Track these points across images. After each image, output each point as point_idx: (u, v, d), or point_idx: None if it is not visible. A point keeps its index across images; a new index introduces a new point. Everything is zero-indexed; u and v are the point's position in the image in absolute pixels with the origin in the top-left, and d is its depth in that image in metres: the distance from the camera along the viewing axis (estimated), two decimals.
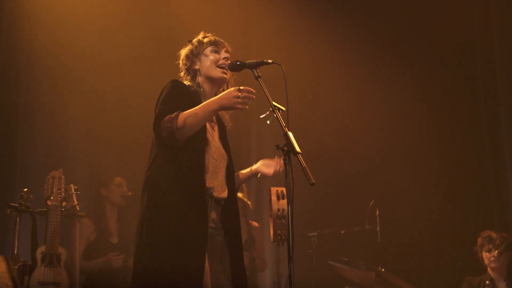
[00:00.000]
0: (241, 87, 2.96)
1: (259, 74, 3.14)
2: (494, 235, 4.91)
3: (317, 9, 6.53)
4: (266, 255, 5.77)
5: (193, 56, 3.33)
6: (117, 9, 6.07)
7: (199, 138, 3.15)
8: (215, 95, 3.31)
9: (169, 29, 5.66)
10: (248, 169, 3.44)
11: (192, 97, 3.23)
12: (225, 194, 3.25)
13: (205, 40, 3.34)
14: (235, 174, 3.40)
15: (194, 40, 3.36)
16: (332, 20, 6.50)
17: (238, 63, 3.22)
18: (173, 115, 3.03)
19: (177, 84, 3.26)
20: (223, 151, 3.31)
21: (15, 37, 5.73)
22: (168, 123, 3.02)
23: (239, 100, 2.95)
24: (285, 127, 2.96)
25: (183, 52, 3.38)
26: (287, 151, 2.91)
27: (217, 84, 3.35)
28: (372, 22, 6.49)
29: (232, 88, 2.99)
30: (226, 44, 3.36)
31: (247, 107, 3.00)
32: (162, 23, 6.10)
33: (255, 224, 5.56)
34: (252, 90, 2.98)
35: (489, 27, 6.11)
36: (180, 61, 3.38)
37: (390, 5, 6.51)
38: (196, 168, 3.11)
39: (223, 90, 3.30)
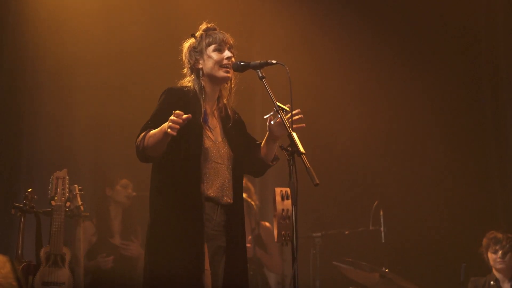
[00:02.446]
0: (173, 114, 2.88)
1: (263, 74, 3.14)
2: (500, 235, 4.89)
3: (322, 8, 6.51)
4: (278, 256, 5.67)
5: (195, 53, 3.30)
6: (121, 8, 6.07)
7: (193, 146, 3.15)
8: (219, 93, 3.34)
9: (173, 28, 5.64)
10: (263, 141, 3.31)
11: (189, 104, 3.19)
12: (230, 199, 3.25)
13: (208, 35, 3.29)
14: (260, 145, 3.31)
15: (197, 34, 3.32)
16: (337, 20, 6.47)
17: (242, 63, 3.21)
18: (140, 136, 3.09)
19: (170, 95, 3.23)
20: (227, 149, 3.28)
21: (20, 38, 5.75)
22: (137, 143, 3.10)
23: (169, 125, 2.89)
24: (289, 127, 2.96)
25: (186, 46, 3.35)
26: (291, 151, 2.91)
27: (220, 83, 3.32)
28: (377, 20, 6.46)
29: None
30: (228, 38, 3.30)
31: (174, 133, 2.89)
32: (166, 22, 6.08)
33: (266, 224, 5.51)
34: (179, 113, 2.88)
35: (495, 24, 6.10)
36: (183, 56, 3.36)
37: (395, 4, 6.49)
38: (191, 177, 3.12)
39: (225, 87, 3.34)
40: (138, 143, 3.09)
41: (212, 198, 3.17)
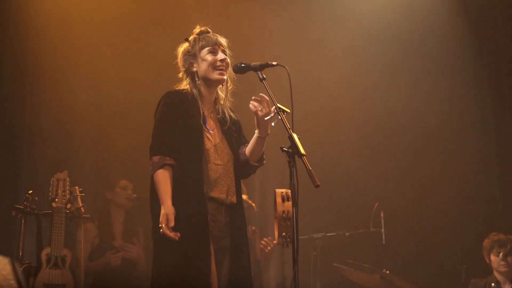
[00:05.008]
0: (163, 226, 2.99)
1: (264, 76, 3.15)
2: (503, 237, 4.89)
3: (324, 9, 6.50)
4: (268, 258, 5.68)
5: (190, 57, 3.32)
6: (122, 9, 6.06)
7: (194, 148, 3.17)
8: (216, 95, 3.37)
9: (174, 28, 5.64)
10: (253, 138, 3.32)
11: (188, 107, 3.22)
12: (234, 198, 3.27)
13: (201, 38, 3.31)
14: (244, 150, 3.36)
15: (190, 38, 3.35)
16: (339, 20, 6.46)
17: (242, 65, 3.22)
18: (158, 161, 3.11)
19: (169, 99, 3.25)
20: (227, 150, 3.30)
21: (21, 39, 5.73)
22: (151, 166, 3.14)
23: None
24: (289, 129, 2.96)
25: (180, 51, 3.38)
26: (292, 153, 2.91)
27: (215, 86, 3.35)
28: (378, 19, 6.44)
29: (170, 216, 3.01)
30: (222, 40, 3.33)
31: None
32: (166, 22, 6.08)
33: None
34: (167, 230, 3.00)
35: (496, 23, 6.11)
36: (178, 61, 3.38)
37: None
38: (194, 179, 3.13)
39: (222, 89, 3.37)
40: (150, 167, 3.14)
41: (215, 199, 3.19)
